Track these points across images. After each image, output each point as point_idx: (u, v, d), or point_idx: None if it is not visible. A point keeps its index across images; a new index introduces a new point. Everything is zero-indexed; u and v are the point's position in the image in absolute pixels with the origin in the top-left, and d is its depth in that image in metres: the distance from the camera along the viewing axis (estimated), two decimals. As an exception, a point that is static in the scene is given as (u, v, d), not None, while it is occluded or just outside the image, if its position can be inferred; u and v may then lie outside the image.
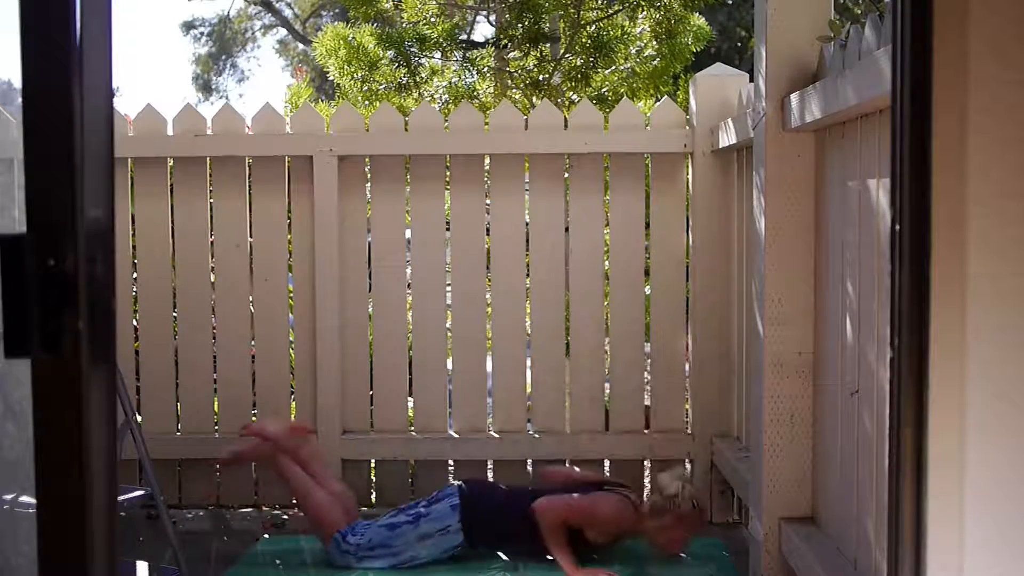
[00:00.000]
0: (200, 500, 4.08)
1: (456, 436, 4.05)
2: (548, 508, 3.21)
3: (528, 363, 4.09)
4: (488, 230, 4.14)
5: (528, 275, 4.09)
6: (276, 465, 3.42)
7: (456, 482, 3.47)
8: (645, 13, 5.61)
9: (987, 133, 1.43)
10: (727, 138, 3.65)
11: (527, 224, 4.10)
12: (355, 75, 5.54)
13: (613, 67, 5.65)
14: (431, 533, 3.26)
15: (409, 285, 4.16)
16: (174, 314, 4.12)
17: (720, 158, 3.92)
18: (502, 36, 5.67)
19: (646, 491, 4.14)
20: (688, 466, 3.30)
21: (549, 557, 3.23)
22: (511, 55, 5.87)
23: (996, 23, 1.42)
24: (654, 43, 5.64)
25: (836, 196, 2.68)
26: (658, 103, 4.21)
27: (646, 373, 4.21)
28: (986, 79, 1.42)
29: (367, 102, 5.51)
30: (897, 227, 1.41)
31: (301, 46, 22.96)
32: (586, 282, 4.04)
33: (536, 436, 4.04)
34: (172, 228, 4.10)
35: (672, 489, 3.28)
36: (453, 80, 5.78)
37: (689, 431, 4.04)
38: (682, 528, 3.29)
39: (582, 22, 5.62)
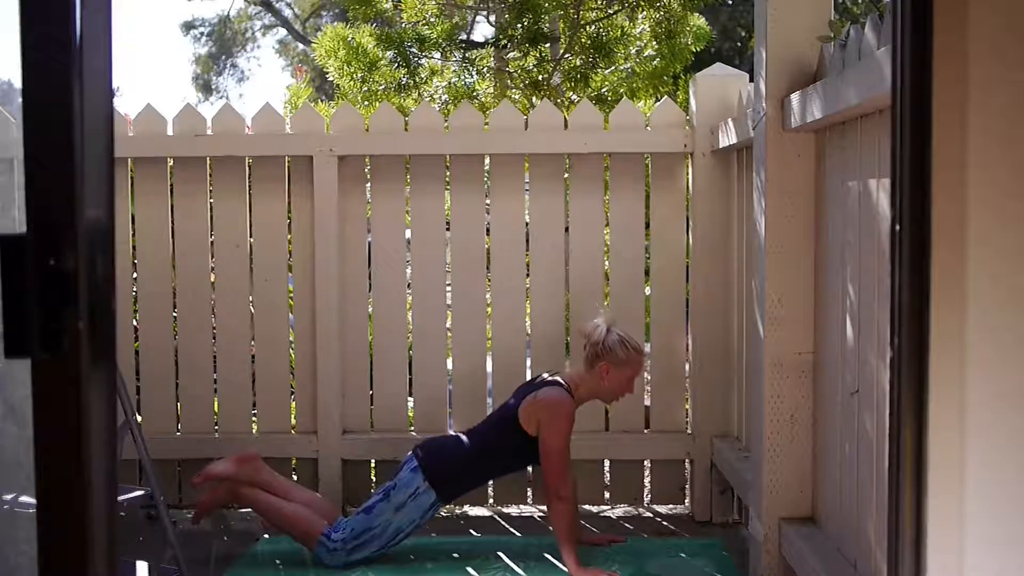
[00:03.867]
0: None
1: (456, 436, 4.05)
2: (560, 503, 3.25)
3: (528, 363, 4.09)
4: (488, 230, 4.14)
5: (528, 275, 4.09)
6: (241, 499, 3.47)
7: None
8: (645, 13, 5.61)
9: (987, 133, 1.43)
10: (727, 138, 3.65)
11: (527, 224, 4.10)
12: (355, 75, 5.54)
13: (613, 67, 5.65)
14: (404, 501, 3.31)
15: (409, 285, 4.16)
16: (174, 314, 4.12)
17: (720, 158, 3.92)
18: (502, 36, 5.67)
19: (646, 491, 4.15)
20: (607, 323, 3.37)
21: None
22: (511, 55, 5.87)
23: (996, 23, 1.42)
24: (654, 43, 5.64)
25: (836, 196, 2.68)
26: (658, 103, 4.20)
27: (646, 373, 4.20)
28: (986, 79, 1.42)
29: (367, 102, 5.51)
30: (897, 227, 1.41)
31: (301, 46, 22.96)
32: (586, 282, 4.04)
33: (536, 436, 4.03)
34: (172, 228, 4.10)
35: (597, 334, 3.36)
36: (453, 80, 5.78)
37: (689, 431, 4.04)
38: (623, 370, 3.37)
39: (582, 22, 5.62)
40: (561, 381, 3.40)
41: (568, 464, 3.33)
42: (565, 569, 3.21)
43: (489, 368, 4.11)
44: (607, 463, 4.12)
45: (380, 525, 3.30)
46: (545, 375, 3.48)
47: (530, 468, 3.83)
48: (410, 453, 3.44)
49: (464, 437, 3.47)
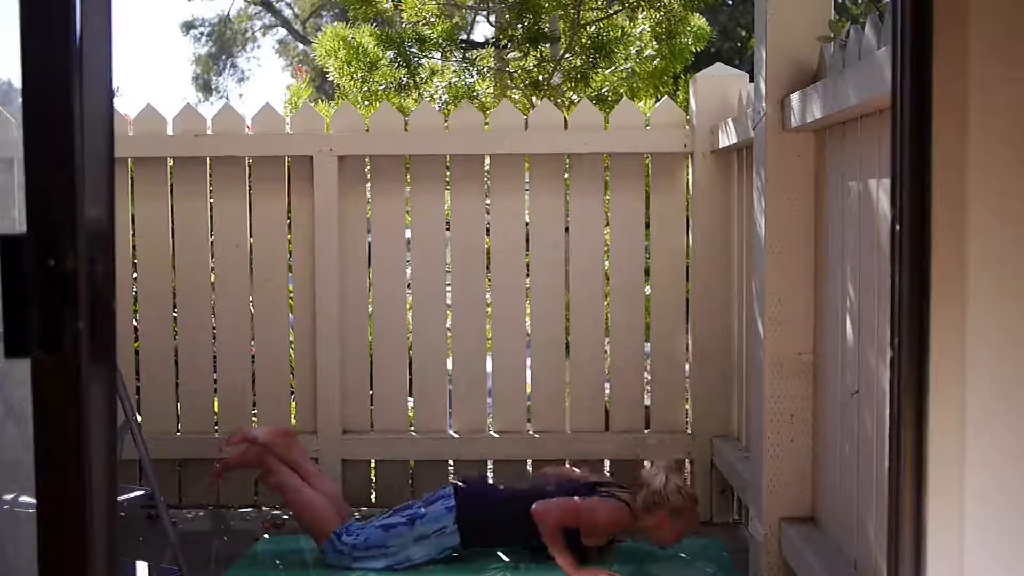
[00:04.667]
0: (200, 500, 4.08)
1: (456, 436, 4.05)
2: (546, 512, 3.21)
3: (528, 363, 4.09)
4: (488, 230, 4.14)
5: (528, 275, 4.09)
6: (266, 468, 3.43)
7: (452, 482, 3.48)
8: (645, 13, 5.61)
9: (987, 133, 1.43)
10: (727, 138, 3.65)
11: (527, 224, 4.10)
12: (355, 75, 5.54)
13: (613, 67, 5.65)
14: (427, 534, 3.27)
15: (409, 285, 4.16)
16: (174, 314, 4.12)
17: (720, 158, 3.92)
18: (502, 36, 5.67)
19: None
20: (666, 471, 3.34)
21: (547, 557, 3.23)
22: (511, 55, 5.86)
23: (996, 23, 1.42)
24: (654, 43, 5.64)
25: (836, 196, 2.68)
26: (658, 103, 4.21)
27: (646, 373, 4.20)
28: (986, 79, 1.42)
29: (367, 102, 5.51)
30: (897, 227, 1.41)
31: (301, 46, 22.97)
32: (586, 282, 4.04)
33: (536, 436, 4.04)
34: (172, 228, 4.10)
35: (657, 482, 3.28)
36: (453, 80, 5.78)
37: (689, 431, 4.04)
38: (677, 521, 3.29)
39: (582, 22, 5.62)
40: (628, 502, 3.31)
41: (561, 529, 3.23)
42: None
43: (489, 368, 4.11)
44: (607, 463, 4.11)
45: (394, 547, 3.27)
46: (618, 489, 3.40)
47: (529, 466, 3.82)
48: (450, 486, 3.38)
49: (510, 496, 3.39)
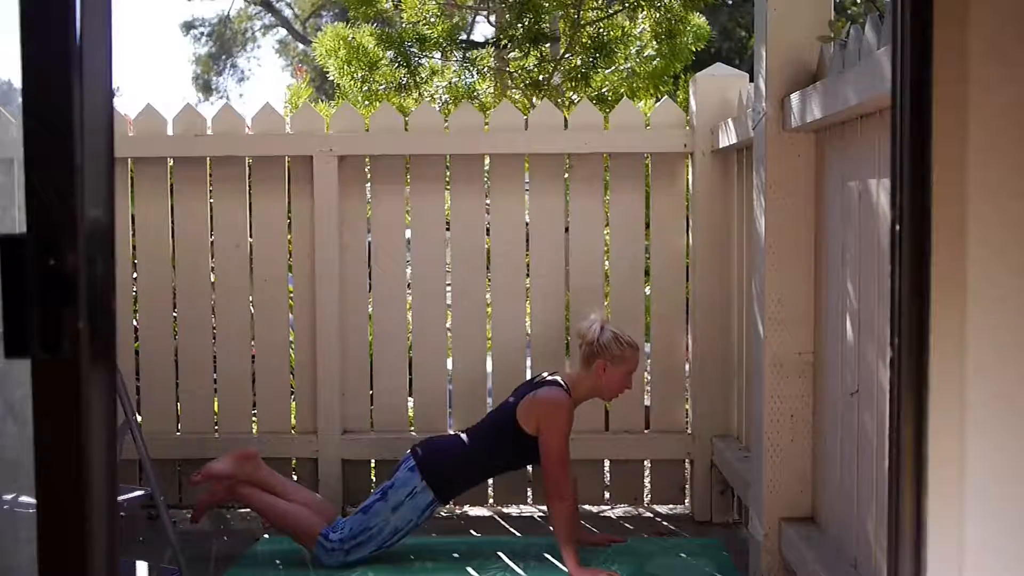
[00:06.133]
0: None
1: (456, 436, 4.05)
2: (557, 502, 3.23)
3: (528, 363, 4.09)
4: (488, 230, 4.14)
5: (528, 275, 4.09)
6: (240, 497, 3.45)
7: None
8: (645, 13, 5.62)
9: (987, 133, 1.43)
10: (727, 138, 3.65)
11: (527, 224, 4.10)
12: (355, 75, 5.55)
13: (613, 67, 5.65)
14: (401, 500, 3.31)
15: (409, 285, 4.16)
16: (174, 314, 4.12)
17: (720, 158, 3.92)
18: (502, 36, 5.68)
19: (646, 491, 4.15)
20: (601, 321, 3.41)
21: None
22: (511, 55, 5.87)
23: (996, 23, 1.42)
24: (654, 43, 5.65)
25: (836, 196, 2.68)
26: (658, 103, 4.20)
27: (646, 373, 4.20)
28: (986, 79, 1.42)
29: (367, 102, 5.51)
30: (897, 227, 1.41)
31: (301, 46, 22.98)
32: (586, 282, 4.04)
33: (536, 436, 4.03)
34: (172, 228, 4.10)
35: (592, 333, 3.38)
36: (453, 80, 5.79)
37: (689, 431, 4.04)
38: (619, 367, 3.38)
39: (582, 22, 5.62)
40: (560, 380, 3.40)
41: (568, 464, 3.32)
42: (565, 569, 3.21)
43: (489, 368, 4.11)
44: (607, 463, 4.11)
45: (377, 525, 3.30)
46: (545, 374, 3.48)
47: (529, 467, 3.84)
48: (408, 452, 3.44)
49: (463, 436, 3.46)
